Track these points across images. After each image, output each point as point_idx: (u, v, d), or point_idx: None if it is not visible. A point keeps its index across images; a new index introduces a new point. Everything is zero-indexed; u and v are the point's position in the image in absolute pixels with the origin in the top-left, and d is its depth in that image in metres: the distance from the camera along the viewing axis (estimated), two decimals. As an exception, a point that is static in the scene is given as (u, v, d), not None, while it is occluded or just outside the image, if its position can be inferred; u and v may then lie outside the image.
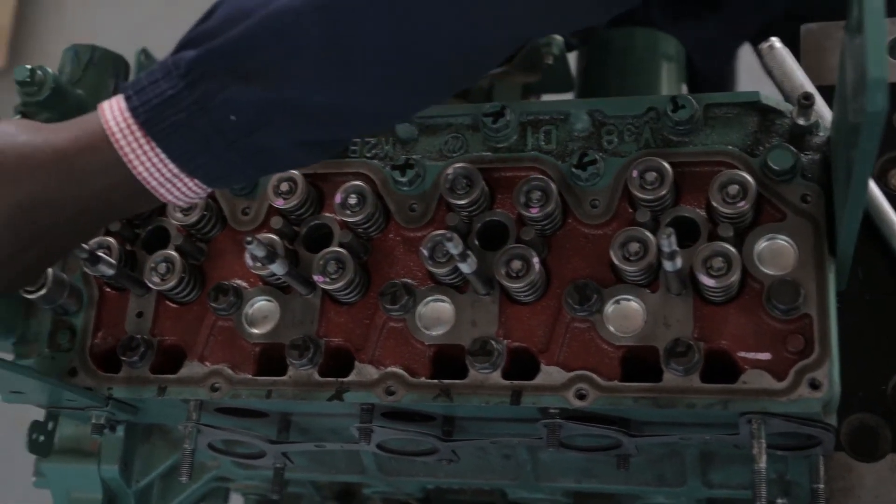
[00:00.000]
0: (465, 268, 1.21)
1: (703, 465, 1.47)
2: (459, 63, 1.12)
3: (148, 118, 1.06)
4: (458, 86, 1.18)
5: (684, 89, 1.64)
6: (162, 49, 1.96)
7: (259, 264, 1.30)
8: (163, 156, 1.07)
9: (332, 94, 1.06)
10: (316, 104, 1.07)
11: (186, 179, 1.10)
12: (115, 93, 1.55)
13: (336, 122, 1.11)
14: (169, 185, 1.10)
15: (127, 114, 1.07)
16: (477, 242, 1.31)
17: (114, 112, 1.08)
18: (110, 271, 1.33)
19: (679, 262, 1.15)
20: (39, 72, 1.44)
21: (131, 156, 1.08)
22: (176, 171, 1.09)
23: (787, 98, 1.33)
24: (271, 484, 1.50)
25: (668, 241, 1.09)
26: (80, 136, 1.10)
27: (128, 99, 1.08)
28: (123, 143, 1.07)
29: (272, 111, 1.06)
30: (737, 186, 1.22)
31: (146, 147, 1.07)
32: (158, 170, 1.08)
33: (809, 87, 1.32)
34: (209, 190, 1.14)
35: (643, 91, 1.80)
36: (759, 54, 1.37)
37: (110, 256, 1.36)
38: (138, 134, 1.07)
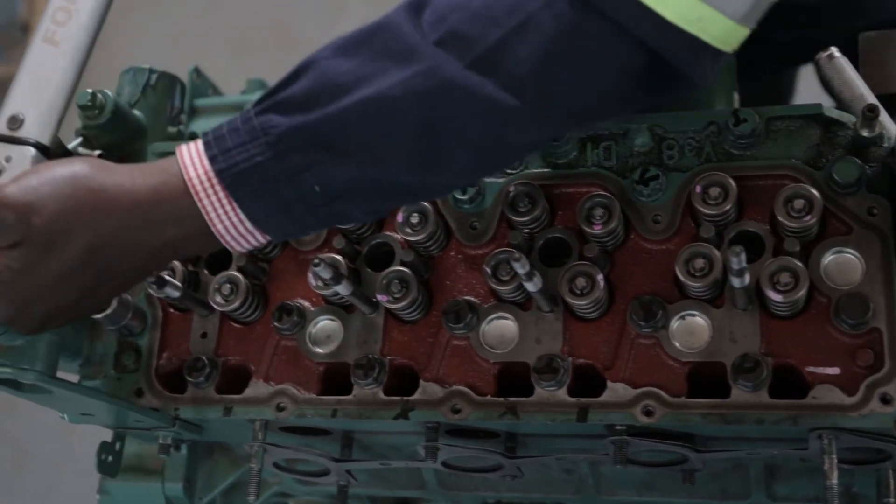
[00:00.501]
0: (531, 287, 1.21)
1: (767, 478, 1.46)
2: (526, 151, 1.24)
3: (233, 181, 1.08)
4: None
5: (736, 100, 1.63)
6: (192, 61, 2.00)
7: (323, 285, 1.31)
8: (242, 216, 1.10)
9: (416, 176, 1.11)
10: (399, 183, 1.11)
11: (258, 234, 1.13)
12: (171, 114, 1.58)
13: (410, 196, 1.19)
14: (241, 239, 1.13)
15: (211, 173, 1.09)
16: (539, 259, 1.31)
17: (196, 168, 1.10)
18: (176, 293, 1.34)
19: (748, 278, 1.14)
20: (100, 95, 1.46)
21: (212, 214, 1.10)
22: (251, 227, 1.12)
23: (846, 108, 1.32)
24: (334, 500, 1.51)
25: (738, 259, 1.09)
26: (159, 188, 1.12)
27: (212, 159, 1.09)
28: (206, 203, 1.10)
29: (357, 187, 1.09)
30: (802, 200, 1.21)
31: (227, 207, 1.10)
32: (235, 227, 1.12)
33: (870, 97, 1.31)
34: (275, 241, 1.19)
35: (699, 104, 1.79)
36: (817, 65, 1.36)
37: (174, 278, 1.37)
38: (221, 195, 1.09)
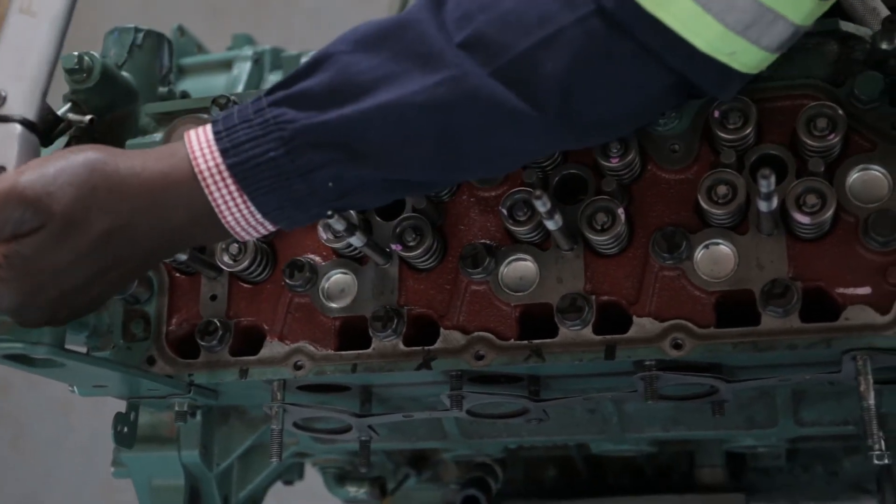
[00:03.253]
0: (552, 224, 1.18)
1: (794, 405, 1.45)
2: (545, 154, 1.24)
3: (245, 176, 1.06)
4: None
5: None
6: (171, 20, 1.94)
7: (336, 237, 1.27)
8: (253, 209, 1.09)
9: (431, 177, 1.11)
10: (413, 181, 1.11)
11: (269, 225, 1.12)
12: (161, 73, 1.53)
13: (423, 189, 1.19)
14: (250, 229, 1.12)
15: (223, 166, 1.07)
16: (555, 197, 1.28)
17: (206, 159, 1.07)
18: (183, 257, 1.30)
19: (775, 202, 1.11)
20: (87, 58, 1.40)
21: (223, 206, 1.08)
22: (261, 219, 1.10)
23: (860, 22, 1.28)
24: (358, 457, 1.48)
25: (768, 182, 1.05)
26: (169, 173, 1.09)
27: (224, 152, 1.07)
28: (217, 195, 1.08)
29: (370, 183, 1.08)
30: (825, 119, 1.18)
31: (238, 200, 1.08)
32: (245, 219, 1.10)
33: (883, 10, 1.28)
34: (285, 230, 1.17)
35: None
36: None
37: (180, 241, 1.33)
38: (233, 188, 1.07)
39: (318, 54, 1.08)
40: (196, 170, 1.08)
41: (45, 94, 1.23)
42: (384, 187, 1.10)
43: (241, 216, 1.09)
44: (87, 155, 1.10)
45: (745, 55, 1.04)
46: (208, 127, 1.09)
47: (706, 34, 1.01)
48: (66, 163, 1.09)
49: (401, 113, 1.04)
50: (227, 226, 1.10)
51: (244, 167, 1.06)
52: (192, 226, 1.11)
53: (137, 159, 1.11)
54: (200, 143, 1.08)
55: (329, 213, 1.17)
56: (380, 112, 1.04)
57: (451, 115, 1.04)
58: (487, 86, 1.03)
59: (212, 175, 1.07)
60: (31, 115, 1.20)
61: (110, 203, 1.08)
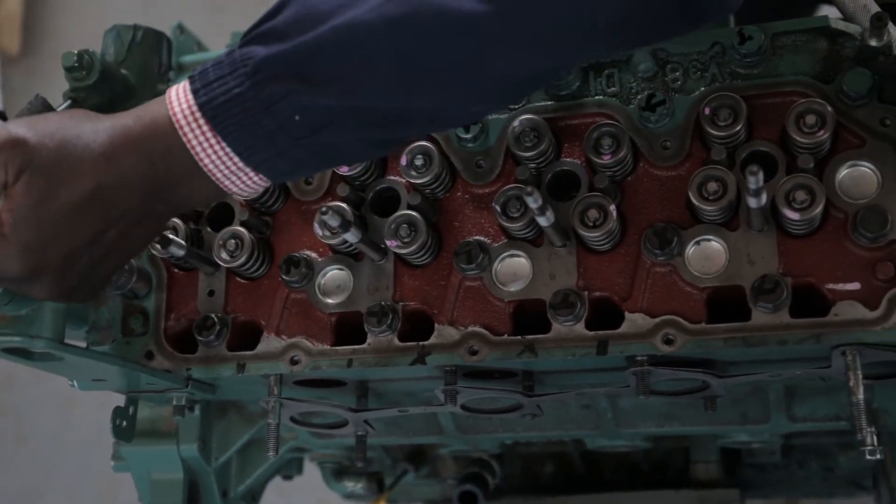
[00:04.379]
0: (544, 221, 1.19)
1: (787, 400, 1.46)
2: (529, 81, 1.12)
3: (215, 114, 1.06)
4: (526, 95, 1.24)
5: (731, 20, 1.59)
6: (168, 21, 1.95)
7: (331, 234, 1.29)
8: (228, 150, 1.08)
9: (398, 102, 1.07)
10: (382, 109, 1.07)
11: (251, 173, 1.10)
12: (159, 72, 1.54)
13: (401, 124, 1.11)
14: (234, 178, 1.11)
15: (195, 107, 1.07)
16: (547, 194, 1.29)
17: (181, 103, 1.08)
18: (181, 252, 1.31)
19: (764, 198, 1.12)
20: (86, 56, 1.41)
21: (198, 148, 1.08)
22: (241, 164, 1.09)
23: (850, 19, 1.29)
24: (354, 452, 1.50)
25: (756, 179, 1.07)
26: (149, 124, 1.10)
27: (195, 93, 1.07)
28: (191, 136, 1.08)
29: (338, 115, 1.06)
30: (814, 116, 1.19)
31: (213, 141, 1.08)
32: (224, 163, 1.09)
33: (874, 6, 1.29)
34: (273, 182, 1.14)
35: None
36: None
37: (178, 237, 1.35)
38: (205, 128, 1.07)
39: None
40: (171, 114, 1.09)
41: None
42: (356, 121, 1.07)
43: (217, 159, 1.09)
44: (73, 111, 1.14)
45: None
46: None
47: None
48: (53, 115, 1.13)
49: (353, 33, 1.03)
50: (207, 171, 1.10)
51: (212, 105, 1.06)
52: (174, 173, 1.11)
53: (123, 115, 1.13)
54: (178, 91, 1.10)
55: (324, 209, 1.19)
56: (333, 35, 1.03)
57: (399, 29, 1.02)
58: None
59: (185, 117, 1.08)
60: None
61: (93, 152, 1.09)
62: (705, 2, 1.04)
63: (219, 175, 1.10)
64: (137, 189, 1.11)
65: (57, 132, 1.09)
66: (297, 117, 1.05)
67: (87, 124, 1.11)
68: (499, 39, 1.02)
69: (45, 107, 1.33)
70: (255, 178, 1.11)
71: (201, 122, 1.07)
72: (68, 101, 1.44)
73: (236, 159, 1.09)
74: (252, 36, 1.07)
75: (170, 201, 1.14)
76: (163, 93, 1.53)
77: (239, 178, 1.11)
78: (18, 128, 1.09)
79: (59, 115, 1.14)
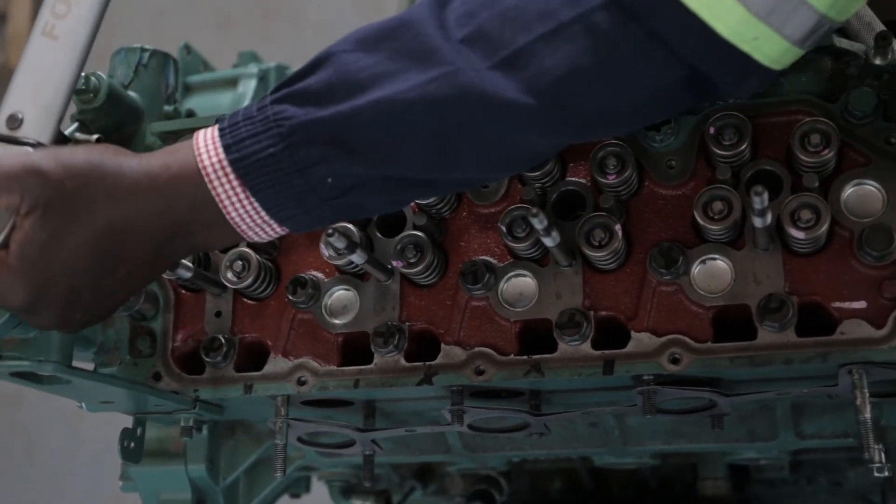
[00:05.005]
0: (550, 241, 1.19)
1: (795, 418, 1.46)
2: (548, 154, 1.21)
3: (247, 172, 1.07)
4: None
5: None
6: (177, 39, 1.96)
7: (338, 255, 1.29)
8: (257, 205, 1.09)
9: (430, 174, 1.10)
10: (412, 179, 1.10)
11: (275, 225, 1.12)
12: (166, 93, 1.55)
13: (427, 190, 1.17)
14: (257, 229, 1.12)
15: (225, 162, 1.08)
16: (553, 213, 1.29)
17: (210, 156, 1.09)
18: (188, 274, 1.32)
19: (769, 217, 1.13)
20: (93, 78, 1.42)
21: (226, 202, 1.09)
22: (267, 218, 1.10)
23: (854, 38, 1.30)
24: (362, 471, 1.50)
25: (761, 199, 1.07)
26: (175, 169, 1.11)
27: (227, 148, 1.08)
28: (220, 190, 1.09)
29: (368, 181, 1.08)
30: (819, 135, 1.19)
31: (242, 196, 1.09)
32: (250, 216, 1.10)
33: (878, 25, 1.29)
34: (294, 233, 1.16)
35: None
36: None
37: (185, 259, 1.35)
38: (235, 184, 1.09)
39: (321, 53, 1.10)
40: (200, 165, 1.09)
41: (60, 119, 1.24)
42: (385, 187, 1.10)
43: (245, 213, 1.10)
44: (98, 147, 1.15)
45: (767, 44, 1.01)
46: (215, 127, 1.12)
47: (728, 18, 0.99)
48: (82, 149, 1.13)
49: (393, 109, 1.05)
50: (232, 223, 1.11)
51: (245, 163, 1.08)
52: (197, 222, 1.12)
53: (145, 156, 1.13)
54: (206, 140, 1.10)
55: (330, 231, 1.19)
56: (373, 108, 1.05)
57: (444, 111, 1.04)
58: (482, 79, 1.03)
59: (215, 171, 1.09)
60: (45, 139, 1.21)
61: (116, 193, 1.09)
62: (723, 90, 1.07)
63: (243, 226, 1.12)
64: (153, 236, 1.12)
65: (82, 170, 1.09)
66: (329, 180, 1.07)
67: (112, 164, 1.11)
68: (536, 127, 1.05)
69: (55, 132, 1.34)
70: (278, 230, 1.13)
71: (231, 177, 1.08)
72: (76, 124, 1.46)
73: (263, 214, 1.10)
74: (285, 94, 1.08)
75: (185, 246, 1.16)
76: (170, 114, 1.56)
77: (262, 230, 1.12)
78: (44, 159, 1.09)
79: (88, 149, 1.13)
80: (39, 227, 1.08)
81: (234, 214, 1.10)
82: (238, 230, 1.12)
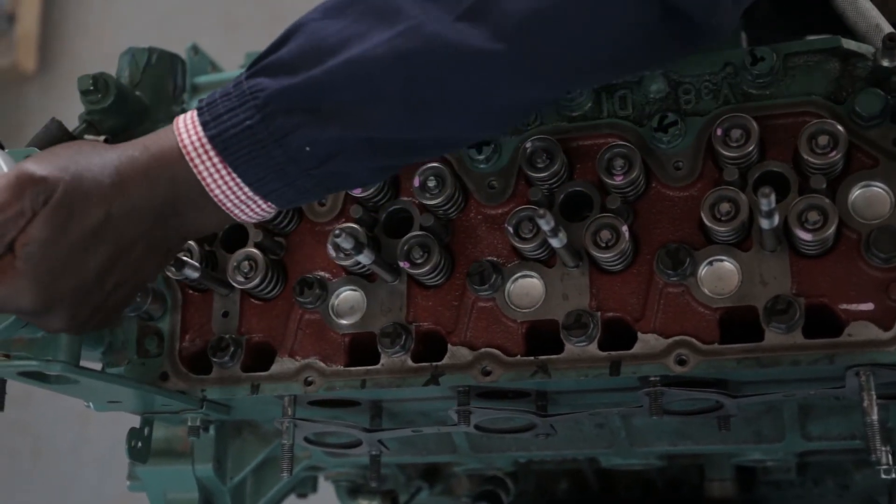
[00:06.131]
0: (556, 242, 1.19)
1: (801, 419, 1.46)
2: (535, 107, 1.19)
3: (225, 146, 1.08)
4: (524, 120, 1.28)
5: (743, 39, 1.60)
6: (184, 41, 1.96)
7: (345, 255, 1.29)
8: (239, 180, 1.10)
9: (408, 133, 1.09)
10: (391, 140, 1.09)
11: (260, 201, 1.12)
12: (174, 93, 1.55)
13: (409, 151, 1.14)
14: (243, 206, 1.13)
15: (204, 139, 1.09)
16: (560, 214, 1.29)
17: (189, 134, 1.10)
18: (195, 274, 1.32)
19: (776, 219, 1.12)
20: (102, 79, 1.43)
21: (208, 178, 1.10)
22: (251, 193, 1.11)
23: (862, 39, 1.29)
24: (368, 471, 1.51)
25: (768, 201, 1.07)
26: (158, 152, 1.12)
27: (204, 125, 1.09)
28: (201, 167, 1.10)
29: (347, 145, 1.08)
30: (826, 136, 1.19)
31: (223, 172, 1.10)
32: (234, 192, 1.11)
33: (886, 26, 1.29)
34: (281, 208, 1.16)
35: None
36: (831, -5, 1.34)
37: (192, 259, 1.36)
38: (216, 160, 1.09)
39: (292, 25, 1.11)
40: (180, 144, 1.10)
41: None
42: (364, 152, 1.10)
43: (228, 189, 1.11)
44: (78, 143, 1.17)
45: None
46: (196, 108, 1.13)
47: None
48: (60, 149, 1.14)
49: (362, 68, 1.05)
50: (216, 201, 1.12)
51: (223, 137, 1.08)
52: (182, 202, 1.12)
53: (129, 145, 1.14)
54: (186, 120, 1.11)
55: (337, 232, 1.19)
56: (343, 69, 1.05)
57: (411, 65, 1.04)
58: (447, 30, 1.03)
59: (195, 148, 1.10)
60: None
61: (107, 187, 1.10)
62: (699, 25, 1.06)
63: (228, 204, 1.12)
64: (146, 217, 1.13)
65: (70, 166, 1.10)
66: (306, 149, 1.07)
67: (95, 157, 1.12)
68: (508, 74, 1.04)
69: (61, 130, 1.34)
70: (264, 206, 1.13)
71: (211, 153, 1.09)
72: (84, 124, 1.46)
73: (246, 189, 1.10)
74: (259, 67, 1.09)
75: (178, 229, 1.16)
76: (177, 114, 1.57)
77: (248, 206, 1.13)
78: (36, 166, 1.10)
79: (66, 148, 1.15)
80: (43, 227, 1.09)
81: (217, 192, 1.11)
82: (224, 208, 1.12)
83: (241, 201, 1.12)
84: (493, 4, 1.02)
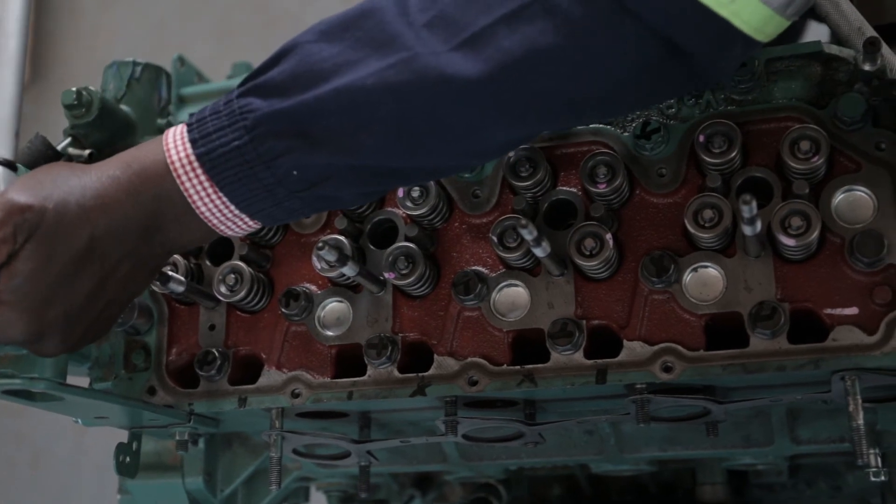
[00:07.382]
0: (540, 252, 1.19)
1: (790, 423, 1.46)
2: (525, 140, 1.17)
3: (213, 166, 1.08)
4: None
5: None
6: (177, 49, 1.96)
7: (329, 267, 1.29)
8: (225, 199, 1.10)
9: (395, 162, 1.09)
10: (379, 168, 1.09)
11: (246, 219, 1.12)
12: (159, 106, 1.55)
13: (396, 178, 1.15)
14: (229, 223, 1.13)
15: (192, 157, 1.09)
16: (544, 223, 1.29)
17: (178, 151, 1.09)
18: (180, 288, 1.32)
19: (759, 225, 1.12)
20: (85, 93, 1.43)
21: (195, 197, 1.10)
22: (237, 212, 1.11)
23: (844, 43, 1.29)
24: (357, 482, 1.50)
25: (749, 208, 1.07)
26: (136, 168, 1.11)
27: (193, 142, 1.09)
28: (188, 184, 1.09)
29: (336, 171, 1.08)
30: (808, 141, 1.19)
31: (210, 190, 1.09)
32: (220, 210, 1.11)
33: (868, 30, 1.28)
34: (266, 226, 1.16)
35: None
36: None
37: (177, 273, 1.36)
38: (203, 178, 1.09)
39: (285, 45, 1.10)
40: (168, 160, 1.10)
41: (17, 133, 1.24)
42: (352, 178, 1.09)
43: (214, 207, 1.10)
44: (53, 165, 1.16)
45: (746, 8, 0.97)
46: (185, 123, 1.12)
47: None
48: (39, 173, 1.13)
49: (353, 97, 1.04)
50: (203, 218, 1.11)
51: (211, 156, 1.08)
52: (166, 216, 1.12)
53: (108, 164, 1.14)
54: (175, 136, 1.11)
55: (321, 244, 1.19)
56: (334, 97, 1.05)
57: (402, 97, 1.04)
58: (440, 62, 1.02)
59: (182, 166, 1.09)
60: (8, 154, 1.23)
61: (88, 209, 1.10)
62: (704, 68, 1.04)
63: (214, 221, 1.12)
64: (130, 235, 1.12)
65: (52, 192, 1.10)
66: (294, 172, 1.07)
67: (74, 179, 1.12)
68: (499, 108, 1.04)
69: (45, 145, 1.35)
70: (250, 223, 1.13)
71: (199, 171, 1.09)
72: (69, 139, 1.46)
73: (232, 207, 1.10)
74: (251, 86, 1.08)
75: (163, 244, 1.15)
76: (163, 127, 1.57)
77: (234, 223, 1.13)
78: (17, 193, 1.09)
79: (45, 172, 1.14)
80: (30, 258, 1.08)
81: (203, 209, 1.10)
82: (209, 224, 1.12)
83: (227, 218, 1.12)
84: (490, 37, 1.02)
